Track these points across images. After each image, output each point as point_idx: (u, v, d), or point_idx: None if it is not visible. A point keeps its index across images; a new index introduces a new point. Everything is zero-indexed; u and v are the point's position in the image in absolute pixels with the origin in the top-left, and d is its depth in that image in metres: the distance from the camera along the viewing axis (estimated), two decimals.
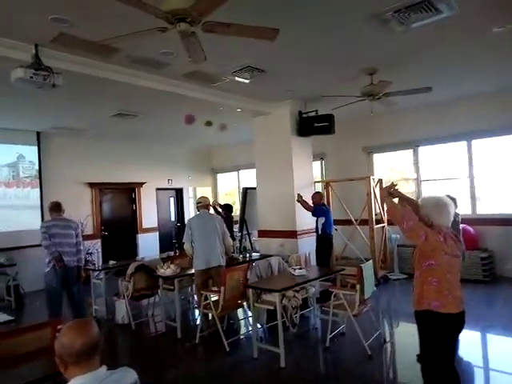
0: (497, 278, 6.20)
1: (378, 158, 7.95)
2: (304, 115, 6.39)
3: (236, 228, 7.45)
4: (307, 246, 6.01)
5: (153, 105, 5.96)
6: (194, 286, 4.51)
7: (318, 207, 5.68)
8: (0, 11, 3.11)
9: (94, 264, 7.54)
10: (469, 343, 3.77)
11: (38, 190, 7.57)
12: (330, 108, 5.96)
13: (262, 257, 5.58)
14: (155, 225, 9.66)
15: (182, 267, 5.04)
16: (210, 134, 6.55)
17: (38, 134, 7.62)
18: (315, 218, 5.70)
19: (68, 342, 1.41)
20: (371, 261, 3.99)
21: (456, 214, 4.40)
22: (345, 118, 7.08)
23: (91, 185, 8.50)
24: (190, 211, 10.63)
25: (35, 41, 3.61)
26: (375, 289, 4.02)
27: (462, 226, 4.77)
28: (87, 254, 7.94)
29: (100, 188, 8.69)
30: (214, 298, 4.08)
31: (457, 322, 2.28)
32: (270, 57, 4.34)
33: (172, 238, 10.09)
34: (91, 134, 7.90)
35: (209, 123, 6.12)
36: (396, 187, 2.73)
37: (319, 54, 4.35)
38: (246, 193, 7.48)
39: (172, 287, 4.55)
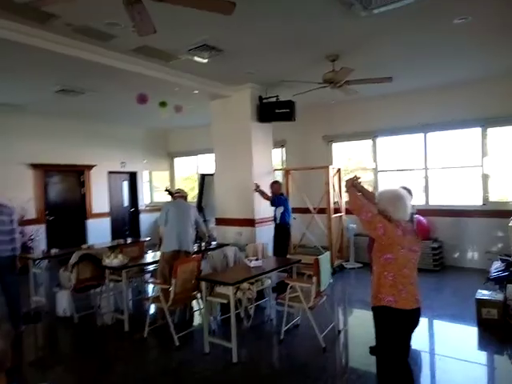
0: (446, 267, 6.43)
1: (338, 147, 7.94)
2: (264, 101, 6.19)
3: None
4: (265, 234, 5.89)
5: (101, 82, 5.47)
6: (158, 271, 4.31)
7: (277, 197, 5.55)
8: None
9: (33, 251, 6.97)
10: (419, 332, 3.83)
11: None
12: (291, 94, 5.80)
13: (219, 246, 5.43)
14: (106, 210, 9.15)
15: (132, 256, 4.77)
16: (165, 116, 6.15)
17: None
18: (275, 207, 5.56)
19: None
20: (328, 252, 3.91)
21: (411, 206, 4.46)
22: (306, 106, 6.96)
23: (34, 166, 7.83)
24: (144, 196, 10.20)
25: None
26: (331, 280, 3.96)
27: (415, 216, 4.84)
28: (29, 239, 7.38)
29: (45, 169, 8.04)
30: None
31: (410, 319, 2.22)
32: (228, 35, 4.07)
33: (125, 224, 9.69)
34: (34, 110, 7.23)
35: (163, 104, 5.75)
36: (359, 180, 2.69)
37: (280, 36, 4.14)
38: (204, 179, 7.21)
39: (120, 278, 4.25)
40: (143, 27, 3.04)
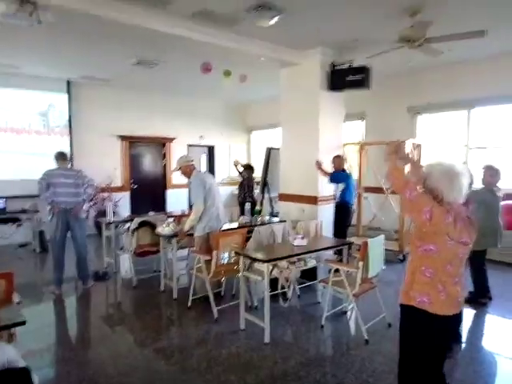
0: None
1: (424, 120, 6.99)
2: (337, 67, 5.65)
3: (257, 190, 7.07)
4: (328, 213, 5.51)
5: (168, 51, 5.53)
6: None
7: (338, 173, 5.08)
8: None
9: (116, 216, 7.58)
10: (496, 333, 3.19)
11: (68, 138, 7.65)
12: (365, 59, 5.17)
13: (281, 222, 5.23)
14: (185, 181, 9.52)
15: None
16: (228, 85, 6.01)
17: (69, 82, 7.58)
18: (336, 184, 5.12)
19: None
20: (382, 236, 3.42)
21: (497, 189, 3.67)
22: (388, 74, 6.20)
23: (122, 137, 8.47)
24: (220, 168, 10.39)
25: None
26: (384, 267, 3.48)
27: (505, 202, 4.00)
28: (114, 205, 8.06)
29: (130, 141, 8.65)
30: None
31: (445, 327, 1.76)
32: None
33: None
34: (118, 84, 7.73)
35: (227, 73, 5.60)
36: (405, 147, 2.18)
37: None
38: (270, 153, 6.99)
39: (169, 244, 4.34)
40: None
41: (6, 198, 6.72)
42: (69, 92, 7.59)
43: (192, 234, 4.15)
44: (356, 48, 5.19)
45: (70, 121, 7.64)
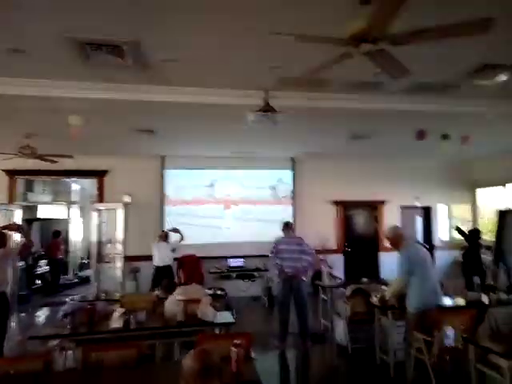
0: None
1: None
2: None
3: (487, 259, 6.06)
4: None
5: (381, 124, 5.76)
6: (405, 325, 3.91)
7: None
8: (236, 68, 3.91)
9: (334, 277, 7.89)
10: None
11: (291, 207, 8.77)
12: None
13: None
14: None
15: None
16: (446, 150, 5.66)
17: (293, 159, 8.84)
18: None
19: (190, 364, 1.63)
20: None
21: None
22: None
23: (336, 203, 9.05)
24: (440, 232, 9.48)
25: (264, 87, 4.30)
26: None
27: None
28: (329, 267, 8.46)
29: (344, 206, 9.12)
30: None
31: None
32: (506, 49, 3.40)
33: None
34: (334, 156, 8.43)
35: (445, 137, 5.33)
36: None
37: None
38: (504, 216, 5.97)
39: (385, 317, 4.22)
40: (396, 71, 3.11)
41: (244, 257, 8.12)
42: (293, 167, 8.82)
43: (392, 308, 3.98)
44: None
45: (293, 191, 8.79)
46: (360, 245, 9.15)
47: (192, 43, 3.34)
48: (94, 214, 7.95)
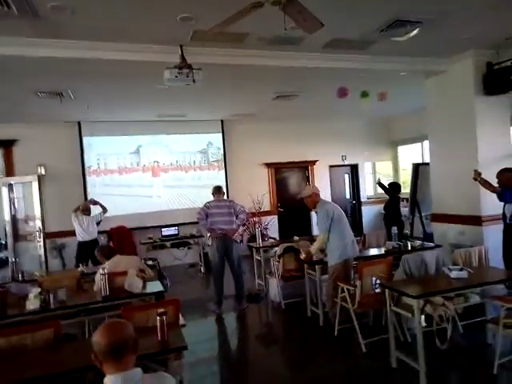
0: None
1: None
2: (496, 66, 4.91)
3: (405, 211, 6.55)
4: (497, 236, 4.70)
5: (304, 82, 5.74)
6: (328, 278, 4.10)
7: (507, 189, 4.30)
8: (144, 23, 3.54)
9: (268, 237, 8.06)
10: None
11: (223, 171, 8.64)
12: None
13: (436, 246, 4.76)
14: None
15: None
16: (367, 106, 5.85)
17: (222, 122, 8.61)
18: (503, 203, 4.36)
19: (97, 340, 1.49)
20: None
21: None
22: None
23: (267, 165, 9.09)
24: (366, 187, 10.04)
25: (178, 42, 3.99)
26: None
27: None
28: (264, 228, 8.62)
29: (275, 167, 9.20)
30: None
31: None
32: (420, 3, 3.45)
33: (346, 216, 9.86)
34: (262, 117, 8.35)
35: (365, 94, 5.47)
36: None
37: None
38: (418, 169, 6.43)
39: (313, 271, 4.39)
40: (309, 25, 3.01)
41: (178, 225, 7.94)
42: (223, 130, 8.60)
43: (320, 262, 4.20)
44: None
45: (224, 155, 8.63)
46: (293, 205, 9.36)
47: None
48: (4, 190, 7.15)
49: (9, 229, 7.16)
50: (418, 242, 4.88)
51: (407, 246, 4.63)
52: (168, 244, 7.75)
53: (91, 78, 4.77)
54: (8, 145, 7.16)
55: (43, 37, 3.58)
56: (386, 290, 3.23)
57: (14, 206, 7.32)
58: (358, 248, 4.22)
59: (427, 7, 3.57)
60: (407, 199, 7.11)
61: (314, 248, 4.13)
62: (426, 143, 8.70)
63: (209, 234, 5.13)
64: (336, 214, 4.00)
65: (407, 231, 5.02)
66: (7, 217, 7.18)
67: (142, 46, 3.96)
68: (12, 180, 7.21)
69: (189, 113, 7.59)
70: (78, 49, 3.72)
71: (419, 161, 8.87)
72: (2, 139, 7.11)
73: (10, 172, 7.20)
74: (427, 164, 5.83)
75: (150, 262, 5.17)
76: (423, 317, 3.17)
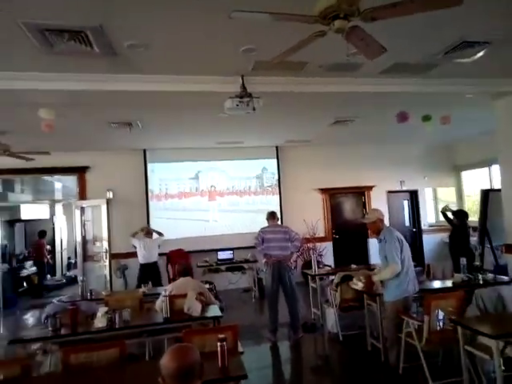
0: None
1: None
2: None
3: (473, 240, 6.07)
4: None
5: (362, 108, 5.68)
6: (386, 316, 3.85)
7: None
8: (209, 56, 3.75)
9: (323, 265, 7.86)
10: None
11: (277, 196, 8.67)
12: None
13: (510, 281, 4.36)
14: None
15: None
16: (430, 129, 5.62)
17: (277, 148, 8.72)
18: None
19: (166, 364, 1.52)
20: None
21: None
22: None
23: (322, 190, 8.98)
24: (427, 215, 9.52)
25: (240, 73, 4.16)
26: None
27: None
28: (319, 255, 8.43)
29: (330, 193, 9.05)
30: None
31: None
32: (485, 24, 3.32)
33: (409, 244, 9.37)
34: (316, 142, 8.34)
35: (426, 118, 5.28)
36: None
37: None
38: (488, 195, 5.99)
39: (374, 303, 4.18)
40: (371, 51, 3.00)
41: (233, 249, 8.02)
42: (277, 156, 8.70)
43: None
44: None
45: (279, 180, 8.69)
46: (348, 231, 9.12)
47: (160, 27, 3.17)
48: (77, 212, 7.74)
49: (79, 249, 7.69)
50: (491, 275, 4.49)
51: (479, 280, 4.26)
52: (223, 268, 7.83)
53: (158, 108, 5.11)
54: (82, 171, 7.81)
55: (119, 72, 3.93)
56: (459, 328, 2.98)
57: (85, 228, 7.88)
58: (417, 283, 3.87)
59: (494, 25, 3.41)
60: (473, 228, 6.62)
61: (380, 276, 3.89)
62: (495, 168, 8.22)
63: (264, 260, 5.11)
64: (404, 244, 3.77)
65: (478, 263, 4.63)
66: (79, 238, 7.73)
67: (206, 77, 4.18)
68: (84, 203, 7.80)
69: (246, 140, 7.79)
70: (149, 82, 4.02)
71: (487, 186, 8.28)
72: (77, 166, 7.77)
73: (82, 196, 7.81)
74: (498, 190, 5.41)
75: (207, 286, 5.25)
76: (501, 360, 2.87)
